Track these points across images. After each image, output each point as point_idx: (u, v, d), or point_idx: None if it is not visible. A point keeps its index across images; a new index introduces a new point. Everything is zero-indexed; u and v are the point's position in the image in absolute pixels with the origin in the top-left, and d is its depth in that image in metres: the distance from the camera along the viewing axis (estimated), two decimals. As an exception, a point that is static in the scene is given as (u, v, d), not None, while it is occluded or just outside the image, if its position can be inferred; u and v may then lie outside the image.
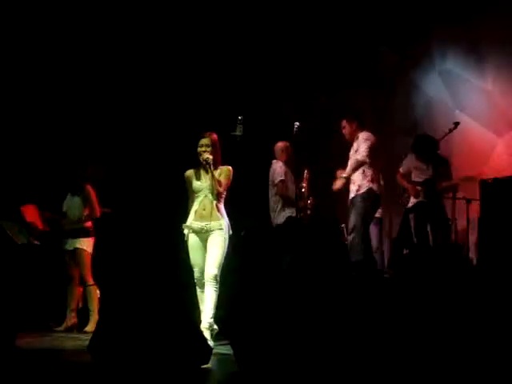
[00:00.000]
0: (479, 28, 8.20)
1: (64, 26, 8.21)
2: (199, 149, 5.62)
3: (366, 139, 6.70)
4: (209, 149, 5.59)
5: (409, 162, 7.36)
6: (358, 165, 6.72)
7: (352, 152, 6.83)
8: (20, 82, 8.06)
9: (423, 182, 7.19)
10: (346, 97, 9.33)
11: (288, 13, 8.94)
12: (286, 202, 7.23)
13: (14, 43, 8.00)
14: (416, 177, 7.27)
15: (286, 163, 7.32)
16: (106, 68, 8.52)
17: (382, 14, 8.75)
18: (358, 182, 6.69)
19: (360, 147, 6.68)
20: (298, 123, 6.52)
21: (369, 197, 6.69)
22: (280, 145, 7.38)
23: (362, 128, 6.82)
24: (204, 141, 5.62)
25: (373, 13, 8.80)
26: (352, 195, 6.76)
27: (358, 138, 6.77)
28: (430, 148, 7.12)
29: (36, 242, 7.00)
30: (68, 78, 8.33)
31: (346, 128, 6.88)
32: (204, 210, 5.59)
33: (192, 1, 8.80)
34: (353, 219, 6.71)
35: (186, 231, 5.63)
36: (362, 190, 6.68)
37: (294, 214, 7.08)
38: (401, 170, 7.42)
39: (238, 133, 6.70)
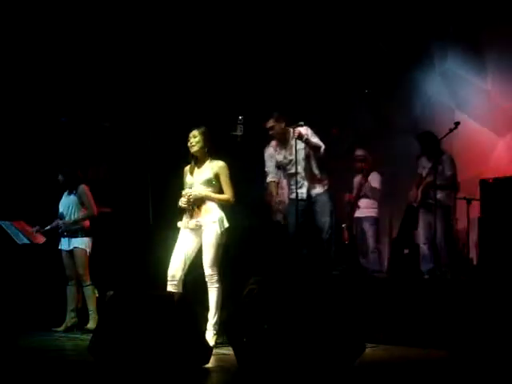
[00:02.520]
0: (479, 28, 8.20)
1: (61, 28, 8.20)
2: (188, 142, 5.62)
3: (314, 133, 6.58)
4: (195, 139, 5.57)
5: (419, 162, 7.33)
6: (319, 150, 6.61)
7: (288, 153, 6.62)
8: (19, 81, 8.05)
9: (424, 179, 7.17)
10: (345, 97, 9.33)
11: (288, 13, 8.93)
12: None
13: (13, 44, 7.99)
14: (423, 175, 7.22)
15: None
16: (105, 67, 8.50)
17: (382, 13, 8.74)
18: (321, 177, 6.69)
19: (313, 139, 6.55)
20: (302, 123, 6.55)
21: (331, 194, 6.75)
22: None
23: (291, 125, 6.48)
24: (191, 133, 5.61)
25: (373, 12, 8.79)
26: (320, 191, 6.70)
27: (295, 135, 6.47)
28: (432, 145, 7.09)
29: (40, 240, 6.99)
30: (66, 75, 8.31)
31: (276, 127, 6.59)
32: (195, 206, 5.52)
33: (193, 1, 8.80)
34: (328, 220, 6.65)
35: (180, 227, 5.56)
36: (327, 187, 6.69)
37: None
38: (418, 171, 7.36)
39: (238, 133, 6.71)
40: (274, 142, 6.78)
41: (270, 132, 6.66)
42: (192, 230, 5.53)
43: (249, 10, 8.86)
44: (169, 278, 5.47)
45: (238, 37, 8.93)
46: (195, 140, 5.58)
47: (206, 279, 5.48)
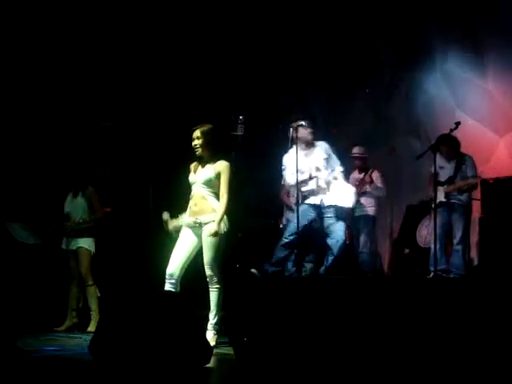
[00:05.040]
0: (480, 27, 8.20)
1: (62, 28, 8.21)
2: (192, 143, 5.54)
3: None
4: (199, 141, 5.50)
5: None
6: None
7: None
8: (20, 81, 8.05)
9: (444, 181, 7.16)
10: (346, 97, 9.34)
11: (288, 12, 8.94)
12: (286, 207, 7.75)
13: (13, 44, 7.99)
14: (440, 176, 7.19)
15: None
16: (106, 67, 8.51)
17: (383, 13, 8.74)
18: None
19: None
20: (303, 122, 6.57)
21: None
22: None
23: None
24: (194, 134, 5.53)
25: (374, 12, 8.79)
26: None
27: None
28: (452, 147, 7.10)
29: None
30: (67, 75, 8.31)
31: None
32: (196, 205, 5.50)
33: (193, 1, 8.81)
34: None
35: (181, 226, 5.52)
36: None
37: (289, 218, 7.40)
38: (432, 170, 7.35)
39: (239, 132, 6.71)
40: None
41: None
42: (193, 229, 5.51)
43: (248, 10, 8.87)
44: (167, 277, 5.44)
45: (238, 37, 8.94)
46: (199, 142, 5.50)
47: (207, 279, 5.47)
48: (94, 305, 6.81)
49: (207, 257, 5.43)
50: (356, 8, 8.81)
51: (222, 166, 5.49)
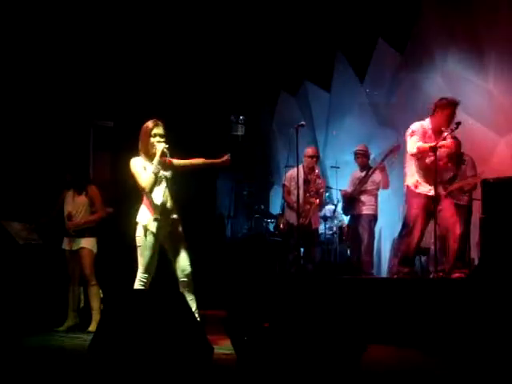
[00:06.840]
0: (481, 27, 8.20)
1: (62, 28, 8.22)
2: (153, 139, 5.33)
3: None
4: (163, 139, 5.36)
5: None
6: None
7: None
8: (19, 81, 8.06)
9: (446, 181, 7.17)
10: (346, 97, 9.34)
11: (288, 10, 8.95)
12: (287, 206, 7.77)
13: (13, 44, 8.00)
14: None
15: (307, 168, 7.65)
16: (107, 67, 8.53)
17: (383, 13, 8.75)
18: None
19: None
20: (303, 123, 6.64)
21: None
22: (305, 150, 7.64)
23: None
24: (157, 130, 5.38)
25: (374, 12, 8.80)
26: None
27: None
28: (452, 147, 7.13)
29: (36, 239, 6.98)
30: (68, 75, 8.33)
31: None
32: (167, 202, 5.38)
33: (195, 3, 8.82)
34: None
35: (153, 227, 5.33)
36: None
37: (289, 218, 7.57)
38: None
39: (239, 133, 6.73)
40: None
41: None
42: (157, 230, 5.33)
43: (246, 9, 8.89)
44: (145, 280, 5.35)
45: (238, 36, 8.96)
46: (164, 139, 5.35)
47: (184, 278, 5.39)
48: (95, 305, 6.80)
49: (186, 250, 5.38)
50: (357, 7, 8.82)
51: (176, 160, 5.43)
